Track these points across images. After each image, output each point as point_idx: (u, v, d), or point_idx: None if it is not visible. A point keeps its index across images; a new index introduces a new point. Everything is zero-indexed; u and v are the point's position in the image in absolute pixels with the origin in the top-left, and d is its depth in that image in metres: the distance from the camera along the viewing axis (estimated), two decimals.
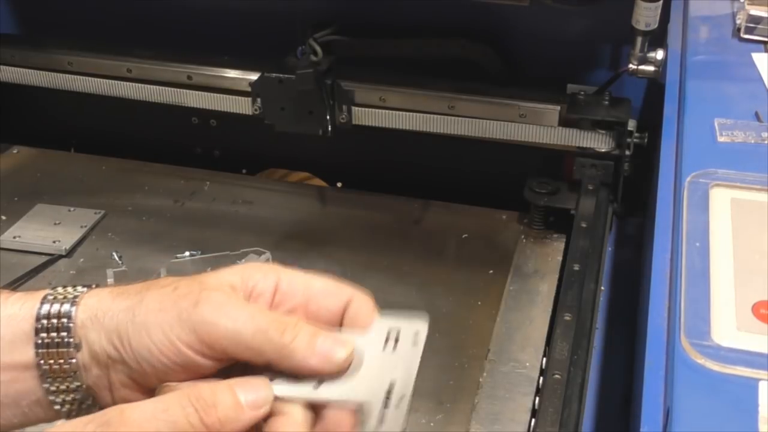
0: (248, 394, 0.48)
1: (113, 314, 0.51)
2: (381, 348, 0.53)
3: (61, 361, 0.51)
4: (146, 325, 0.49)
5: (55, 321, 0.51)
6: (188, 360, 0.49)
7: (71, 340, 0.51)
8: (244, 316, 0.49)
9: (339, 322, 0.54)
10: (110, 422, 0.46)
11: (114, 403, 0.52)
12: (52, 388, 0.52)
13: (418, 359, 0.53)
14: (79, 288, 0.54)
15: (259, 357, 0.49)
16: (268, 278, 0.53)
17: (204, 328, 0.48)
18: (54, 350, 0.51)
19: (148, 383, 0.51)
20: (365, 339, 0.53)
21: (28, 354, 0.52)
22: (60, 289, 0.53)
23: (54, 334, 0.51)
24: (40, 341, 0.51)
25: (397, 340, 0.53)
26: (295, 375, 0.51)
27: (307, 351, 0.49)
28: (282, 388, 0.50)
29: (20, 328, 0.52)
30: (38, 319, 0.52)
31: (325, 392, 0.50)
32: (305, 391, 0.50)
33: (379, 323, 0.54)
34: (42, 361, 0.51)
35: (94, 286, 0.54)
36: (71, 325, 0.51)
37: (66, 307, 0.52)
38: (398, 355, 0.53)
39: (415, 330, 0.53)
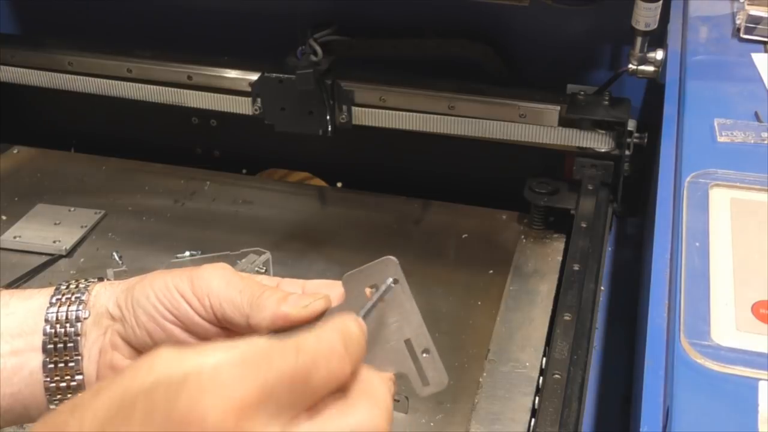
0: None
1: (126, 282, 0.57)
2: (368, 310, 0.51)
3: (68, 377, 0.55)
4: (152, 279, 0.55)
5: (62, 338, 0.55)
6: (180, 308, 0.53)
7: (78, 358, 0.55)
8: (236, 278, 0.54)
9: None
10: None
11: (95, 370, 0.56)
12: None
13: (413, 303, 0.51)
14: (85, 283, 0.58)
15: (242, 315, 0.52)
16: None
17: (198, 282, 0.53)
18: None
19: (135, 340, 0.55)
20: (347, 307, 0.51)
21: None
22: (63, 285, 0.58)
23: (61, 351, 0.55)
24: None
25: (379, 294, 0.51)
26: None
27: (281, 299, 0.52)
28: None
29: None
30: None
31: None
32: None
33: (350, 285, 0.52)
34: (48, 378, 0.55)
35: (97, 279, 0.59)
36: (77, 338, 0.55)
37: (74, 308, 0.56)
38: (391, 310, 0.51)
39: (389, 277, 0.52)
